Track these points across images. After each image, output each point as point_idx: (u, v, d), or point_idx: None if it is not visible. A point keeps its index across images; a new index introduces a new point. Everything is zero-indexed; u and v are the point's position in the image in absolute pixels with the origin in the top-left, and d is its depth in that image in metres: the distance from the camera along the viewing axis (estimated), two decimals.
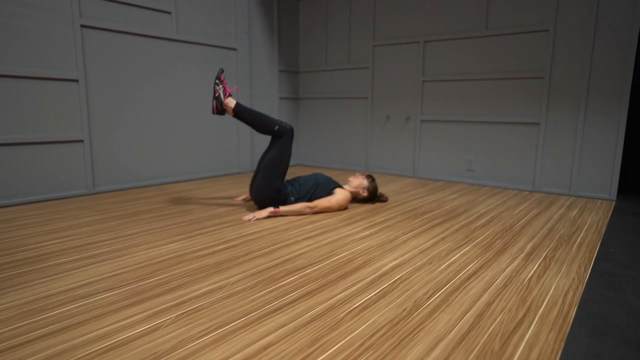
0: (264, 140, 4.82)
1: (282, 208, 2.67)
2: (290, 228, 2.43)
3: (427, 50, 4.14)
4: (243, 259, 1.92)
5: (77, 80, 3.20)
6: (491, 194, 3.49)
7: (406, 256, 1.97)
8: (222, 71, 2.71)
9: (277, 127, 2.71)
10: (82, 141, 3.28)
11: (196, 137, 4.09)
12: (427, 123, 4.23)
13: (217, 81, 2.68)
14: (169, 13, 3.72)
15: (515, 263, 1.89)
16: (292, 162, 5.22)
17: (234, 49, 4.33)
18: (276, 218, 2.65)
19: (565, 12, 3.39)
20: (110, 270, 1.77)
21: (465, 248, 2.10)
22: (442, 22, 4.02)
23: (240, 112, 2.72)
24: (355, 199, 3.08)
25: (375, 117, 4.59)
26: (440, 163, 4.20)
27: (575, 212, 2.90)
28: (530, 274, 1.77)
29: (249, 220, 2.58)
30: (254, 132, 4.68)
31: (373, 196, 3.08)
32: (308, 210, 2.73)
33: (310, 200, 2.81)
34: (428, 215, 2.76)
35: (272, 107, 4.86)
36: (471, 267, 1.83)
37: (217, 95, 2.67)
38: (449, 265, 1.85)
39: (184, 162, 4.01)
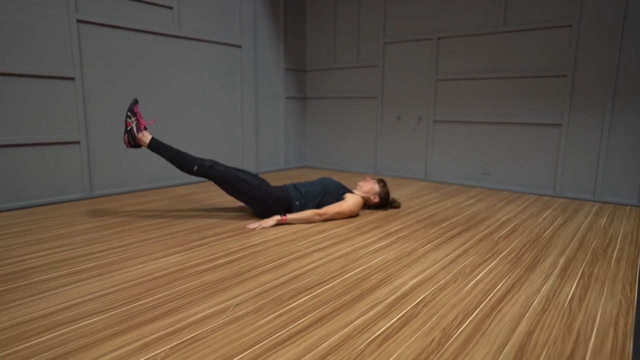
0: (270, 140, 4.64)
1: (290, 216, 2.49)
2: (298, 238, 2.24)
3: (440, 48, 3.94)
4: (247, 275, 1.73)
5: (73, 79, 3.03)
6: (510, 200, 3.29)
7: (427, 272, 1.78)
8: (136, 102, 2.45)
9: (195, 167, 2.45)
10: (78, 142, 3.11)
11: (198, 137, 3.91)
12: (441, 124, 4.04)
13: (129, 113, 2.42)
14: (171, 8, 3.55)
15: (550, 281, 1.70)
16: (297, 164, 5.04)
17: (239, 46, 4.15)
18: (283, 226, 2.46)
19: (591, 5, 3.18)
20: (99, 289, 1.59)
21: (491, 263, 1.91)
22: (457, 18, 3.82)
23: (156, 149, 2.46)
24: (366, 205, 2.89)
25: (386, 118, 4.40)
26: (454, 166, 4.00)
27: (605, 220, 2.70)
28: (570, 295, 1.57)
29: (255, 229, 2.40)
30: (259, 132, 4.50)
31: (385, 202, 2.89)
32: (317, 217, 2.54)
33: (318, 206, 2.63)
34: (446, 224, 2.56)
35: (278, 107, 4.68)
36: (501, 286, 1.64)
37: (128, 128, 2.42)
38: (476, 284, 1.66)
39: None
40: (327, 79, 4.79)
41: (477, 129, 3.83)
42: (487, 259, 1.95)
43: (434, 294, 1.57)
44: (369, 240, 2.22)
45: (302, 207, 2.60)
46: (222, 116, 4.09)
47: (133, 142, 2.46)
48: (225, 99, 4.10)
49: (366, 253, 2.02)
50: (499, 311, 1.44)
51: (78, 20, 3.01)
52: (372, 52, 4.40)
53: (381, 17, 4.27)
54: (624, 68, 3.09)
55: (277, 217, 2.47)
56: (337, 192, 2.69)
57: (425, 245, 2.15)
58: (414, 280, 1.69)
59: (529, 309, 1.46)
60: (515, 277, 1.74)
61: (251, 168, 4.41)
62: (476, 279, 1.72)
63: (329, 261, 1.90)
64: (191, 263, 1.86)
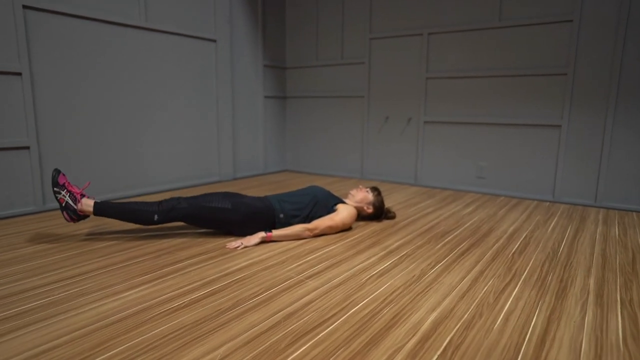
0: (248, 144, 4.29)
1: (276, 233, 2.17)
2: (287, 260, 1.93)
3: (431, 44, 3.70)
4: (230, 313, 1.41)
5: (19, 74, 2.62)
6: (510, 206, 3.07)
7: (445, 304, 1.50)
8: (59, 173, 2.06)
9: (156, 216, 2.11)
10: (27, 148, 2.70)
11: (170, 141, 3.54)
12: (432, 125, 3.80)
13: (55, 189, 2.05)
14: None
15: (590, 313, 1.45)
16: (277, 167, 4.71)
17: (214, 41, 3.79)
18: (268, 244, 2.15)
19: None
20: (37, 343, 1.23)
21: (514, 287, 1.65)
22: (449, 12, 3.58)
23: (105, 212, 2.10)
24: (358, 216, 2.61)
25: (373, 118, 4.13)
26: (447, 170, 3.77)
27: (617, 229, 2.50)
28: (620, 331, 1.33)
29: (236, 248, 2.07)
30: (236, 134, 4.15)
31: (379, 213, 2.61)
32: (307, 233, 2.24)
33: (307, 220, 2.32)
34: (450, 237, 2.30)
35: (257, 107, 4.34)
36: (536, 321, 1.38)
37: (63, 205, 2.06)
38: (506, 319, 1.40)
39: (156, 170, 3.46)
40: (309, 77, 4.48)
41: (471, 131, 3.61)
42: (508, 283, 1.69)
43: (461, 335, 1.29)
44: (369, 261, 1.93)
45: (288, 221, 2.29)
46: (195, 117, 3.72)
47: (75, 216, 2.08)
48: (199, 98, 3.74)
49: (369, 278, 1.73)
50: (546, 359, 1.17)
51: (24, 6, 2.60)
52: (358, 48, 4.13)
53: (367, 10, 3.99)
54: (627, 66, 2.92)
55: (262, 234, 2.15)
56: (327, 203, 2.39)
57: (434, 266, 1.88)
58: (433, 316, 1.41)
59: (580, 354, 1.20)
60: (547, 307, 1.49)
61: (228, 173, 4.06)
62: (504, 310, 1.45)
63: (328, 291, 1.60)
64: (161, 298, 1.52)
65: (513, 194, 3.46)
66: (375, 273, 1.78)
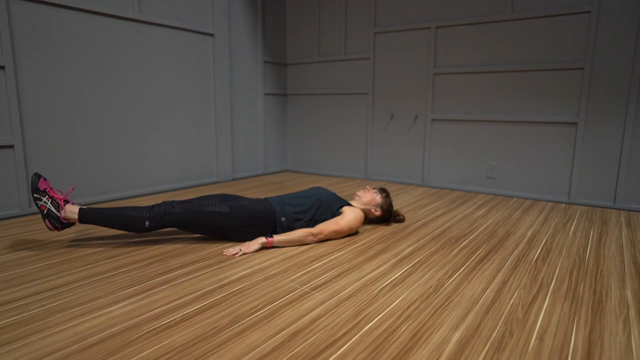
0: (248, 143, 4.12)
1: (277, 238, 2.00)
2: (290, 268, 1.76)
3: (439, 38, 3.53)
4: (227, 332, 1.24)
5: (3, 68, 2.45)
6: (524, 208, 2.91)
7: (470, 320, 1.33)
8: (39, 177, 1.88)
9: (147, 222, 1.94)
10: (12, 147, 2.53)
11: (165, 140, 3.37)
12: (439, 123, 3.63)
13: (35, 195, 1.87)
14: None
15: (636, 330, 1.28)
16: (277, 168, 4.54)
17: (211, 35, 3.62)
18: (269, 250, 1.98)
19: None
20: None
21: (543, 300, 1.48)
22: (458, 4, 3.41)
23: (91, 219, 1.92)
24: (365, 219, 2.44)
25: (377, 116, 3.96)
26: (455, 170, 3.60)
27: None
28: None
29: (234, 255, 1.90)
30: (235, 132, 3.98)
31: (388, 215, 2.44)
32: (311, 238, 2.07)
33: (311, 224, 2.16)
34: (465, 242, 2.14)
35: (256, 104, 4.17)
36: (576, 342, 1.21)
37: (45, 212, 1.87)
38: (540, 338, 1.23)
39: (149, 171, 3.28)
40: (311, 73, 4.32)
41: (480, 129, 3.44)
42: (536, 295, 1.52)
43: (492, 358, 1.12)
44: (380, 270, 1.76)
45: (291, 225, 2.12)
46: (192, 115, 3.55)
47: (59, 224, 1.90)
48: (196, 95, 3.57)
49: (382, 289, 1.56)
50: None
51: None
52: (362, 43, 3.96)
53: (372, 3, 3.83)
54: None
55: (262, 240, 1.98)
56: (332, 206, 2.23)
57: (452, 275, 1.71)
58: (457, 335, 1.24)
59: None
60: (585, 323, 1.32)
61: (227, 174, 3.89)
62: (537, 328, 1.29)
63: (337, 304, 1.43)
64: (149, 314, 1.35)
65: (526, 195, 3.29)
66: (388, 283, 1.61)
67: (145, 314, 1.35)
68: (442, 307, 1.42)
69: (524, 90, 3.21)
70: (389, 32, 3.78)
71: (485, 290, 1.56)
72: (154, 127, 3.27)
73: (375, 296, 1.50)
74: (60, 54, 2.69)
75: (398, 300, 1.47)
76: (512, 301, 1.47)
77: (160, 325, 1.27)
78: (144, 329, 1.25)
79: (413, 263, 1.84)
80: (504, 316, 1.36)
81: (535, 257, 1.93)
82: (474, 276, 1.69)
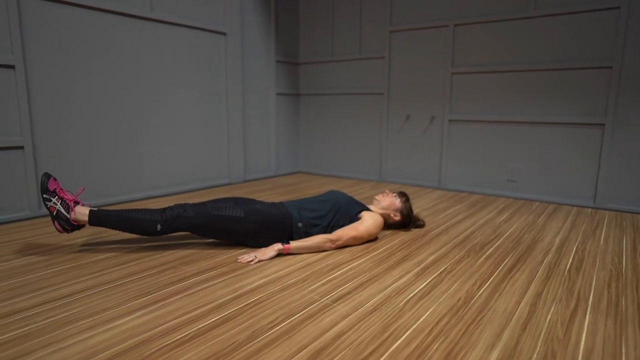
0: (260, 144, 4.05)
1: (294, 244, 1.91)
2: (308, 277, 1.67)
3: (458, 36, 3.42)
4: (245, 350, 1.16)
5: (12, 67, 2.39)
6: (549, 213, 2.79)
7: (506, 338, 1.23)
8: (49, 177, 1.83)
9: (159, 226, 1.86)
10: (22, 147, 2.47)
11: (176, 140, 3.30)
12: (457, 124, 3.52)
13: (45, 196, 1.81)
14: None
15: None
16: (289, 169, 4.46)
17: (223, 34, 3.54)
18: (285, 257, 1.89)
19: None
20: None
21: (583, 316, 1.37)
22: (478, 1, 3.30)
23: (102, 222, 1.86)
24: (384, 224, 2.34)
25: (393, 117, 3.86)
26: (474, 172, 3.48)
27: None
28: None
29: (249, 262, 1.82)
30: (247, 134, 3.91)
31: (407, 220, 2.34)
32: (329, 244, 1.98)
33: (328, 229, 2.06)
34: (490, 250, 2.03)
35: (268, 104, 4.09)
36: None
37: (54, 213, 1.82)
38: None
39: (160, 172, 3.22)
40: (324, 73, 4.23)
41: (501, 130, 3.32)
42: (575, 310, 1.42)
43: None
44: (403, 280, 1.66)
45: (307, 230, 2.03)
46: (203, 115, 3.48)
47: (69, 226, 1.84)
48: (207, 95, 3.50)
49: (407, 302, 1.46)
50: None
51: None
52: (377, 42, 3.86)
53: (387, 1, 3.73)
54: None
55: (278, 246, 1.89)
56: (351, 210, 2.13)
57: (480, 286, 1.61)
58: (495, 355, 1.14)
59: None
60: (634, 344, 1.21)
61: (239, 175, 3.81)
62: (581, 348, 1.18)
63: (361, 318, 1.34)
64: (162, 327, 1.27)
65: (548, 199, 3.17)
66: (414, 295, 1.52)
67: (157, 327, 1.27)
68: (475, 323, 1.32)
69: (547, 90, 3.09)
70: (406, 31, 3.67)
71: (519, 304, 1.45)
72: (165, 127, 3.21)
73: (401, 309, 1.40)
74: (71, 53, 2.63)
75: (426, 315, 1.37)
76: (549, 317, 1.36)
77: (174, 341, 1.19)
78: (157, 345, 1.17)
79: (438, 272, 1.74)
80: (542, 334, 1.26)
81: (568, 266, 1.82)
82: (504, 287, 1.59)
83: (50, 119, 2.58)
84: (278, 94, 4.17)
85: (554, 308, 1.43)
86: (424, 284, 1.61)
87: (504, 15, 3.18)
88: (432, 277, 1.69)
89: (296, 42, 4.32)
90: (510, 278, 1.68)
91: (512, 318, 1.35)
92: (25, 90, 2.44)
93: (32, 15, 2.44)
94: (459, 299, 1.49)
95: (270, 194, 3.28)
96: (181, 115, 3.31)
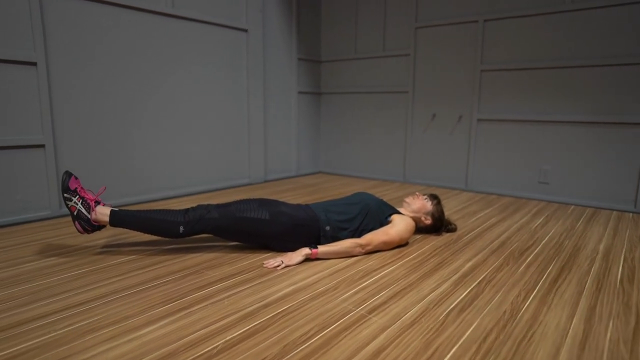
0: (280, 143, 3.97)
1: (322, 249, 1.82)
2: (339, 285, 1.57)
3: (487, 32, 3.28)
4: None
5: (34, 64, 2.36)
6: (587, 218, 2.63)
7: (565, 359, 1.11)
8: (70, 176, 1.77)
9: (181, 228, 1.80)
10: (43, 146, 2.43)
11: (197, 140, 3.24)
12: (486, 123, 3.38)
13: (65, 195, 1.75)
14: None
15: None
16: (310, 169, 4.37)
17: (244, 30, 3.47)
18: (312, 263, 1.80)
19: None
20: None
21: None
22: None
23: (123, 223, 1.80)
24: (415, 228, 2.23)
25: (418, 116, 3.73)
26: (503, 174, 3.34)
27: None
28: None
29: (276, 267, 1.73)
30: (268, 133, 3.83)
31: (439, 224, 2.22)
32: (359, 249, 1.88)
33: (357, 233, 1.96)
34: (530, 257, 1.90)
35: (290, 103, 4.00)
36: None
37: (75, 213, 1.76)
38: None
39: (180, 172, 3.16)
40: (347, 71, 4.12)
41: (532, 129, 3.17)
42: (637, 327, 1.29)
43: None
44: (441, 289, 1.55)
45: (335, 234, 1.93)
46: (224, 114, 3.41)
47: (89, 226, 1.78)
48: (228, 93, 3.43)
49: (448, 314, 1.35)
50: None
51: None
52: (402, 38, 3.74)
53: None
54: None
55: (306, 251, 1.80)
56: (381, 214, 2.03)
57: (525, 297, 1.49)
58: None
59: None
60: None
61: (259, 176, 3.74)
62: None
63: (400, 332, 1.23)
64: (188, 338, 1.18)
65: (584, 202, 3.00)
66: (454, 307, 1.40)
67: (182, 338, 1.18)
68: (526, 340, 1.20)
69: (582, 88, 2.93)
70: (432, 27, 3.54)
71: (572, 319, 1.33)
72: (186, 126, 3.15)
73: (443, 323, 1.29)
74: (92, 50, 2.58)
75: (471, 329, 1.26)
76: (608, 335, 1.24)
77: (201, 355, 1.11)
78: (183, 358, 1.09)
79: (477, 281, 1.62)
80: (605, 355, 1.13)
81: (619, 277, 1.68)
82: (552, 300, 1.47)
83: (72, 117, 2.54)
84: (299, 93, 4.08)
85: (612, 324, 1.30)
86: (464, 294, 1.50)
87: (537, 10, 3.03)
88: (471, 287, 1.57)
89: (318, 39, 4.22)
90: (557, 289, 1.56)
91: (567, 335, 1.23)
92: (46, 87, 2.39)
93: (54, 12, 2.40)
94: (505, 311, 1.38)
95: (292, 195, 3.20)
96: (202, 114, 3.25)
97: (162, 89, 2.96)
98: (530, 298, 1.48)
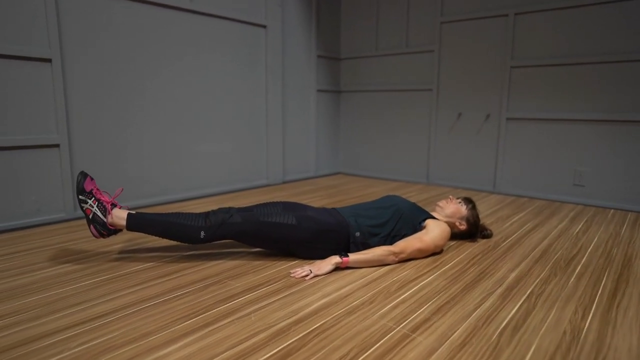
0: (299, 143, 3.84)
1: (353, 257, 1.69)
2: (375, 298, 1.44)
3: (518, 26, 3.11)
4: None
5: (49, 60, 2.27)
6: (631, 223, 2.46)
7: None
8: (85, 177, 1.67)
9: (202, 233, 1.68)
10: (57, 146, 2.35)
11: (215, 140, 3.13)
12: (516, 122, 3.21)
13: (80, 197, 1.65)
14: None
15: None
16: (329, 170, 4.24)
17: (263, 26, 3.36)
18: (343, 272, 1.67)
19: None
20: None
21: None
22: None
23: (140, 227, 1.69)
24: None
25: (443, 115, 3.58)
26: (535, 175, 3.17)
27: None
28: None
29: (304, 277, 1.61)
30: (287, 133, 3.71)
31: (474, 230, 2.08)
32: (392, 258, 1.74)
33: (389, 239, 1.83)
34: (579, 267, 1.75)
35: (309, 101, 3.88)
36: None
37: (90, 216, 1.65)
38: None
39: (199, 173, 3.06)
40: (368, 68, 3.98)
41: (566, 129, 3.00)
42: None
43: None
44: (487, 303, 1.41)
45: (366, 241, 1.80)
46: (242, 112, 3.30)
47: (105, 230, 1.67)
48: (247, 91, 3.32)
49: (501, 334, 1.21)
50: None
51: None
52: (426, 34, 3.59)
53: None
54: None
55: (336, 260, 1.67)
56: (414, 219, 1.89)
57: (585, 314, 1.33)
58: None
59: None
60: None
61: (277, 176, 3.62)
62: None
63: (451, 356, 1.10)
64: None
65: (624, 206, 2.82)
66: (506, 325, 1.26)
67: (207, 359, 1.07)
68: None
69: (620, 84, 2.75)
70: (458, 22, 3.39)
71: None
72: (204, 125, 3.04)
73: (497, 345, 1.15)
74: (108, 46, 2.49)
75: (530, 353, 1.11)
76: None
77: None
78: None
79: (526, 295, 1.47)
80: None
81: None
82: (615, 318, 1.31)
83: (87, 115, 2.44)
84: (318, 91, 3.96)
85: None
86: (514, 310, 1.36)
87: (572, 2, 2.86)
88: (521, 301, 1.42)
89: (337, 36, 4.09)
90: (619, 305, 1.40)
91: None
92: (61, 85, 2.31)
93: (69, 7, 2.31)
94: (564, 332, 1.23)
95: (313, 198, 3.07)
96: (221, 113, 3.14)
97: (180, 86, 2.86)
98: (590, 316, 1.33)
